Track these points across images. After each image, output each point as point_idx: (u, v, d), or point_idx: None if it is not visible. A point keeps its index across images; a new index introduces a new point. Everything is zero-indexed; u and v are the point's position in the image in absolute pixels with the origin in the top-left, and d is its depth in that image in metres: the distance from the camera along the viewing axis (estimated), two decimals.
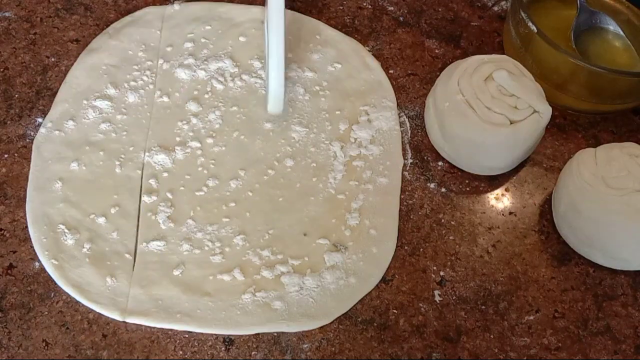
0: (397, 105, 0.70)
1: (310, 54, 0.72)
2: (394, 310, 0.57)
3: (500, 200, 0.65)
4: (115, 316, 0.55)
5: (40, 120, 0.64)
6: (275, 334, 0.55)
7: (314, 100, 0.68)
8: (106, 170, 0.62)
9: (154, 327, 0.55)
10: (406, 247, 0.61)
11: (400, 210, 0.63)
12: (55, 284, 0.56)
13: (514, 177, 0.66)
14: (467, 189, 0.65)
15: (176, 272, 0.57)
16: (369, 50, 0.74)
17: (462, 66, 0.65)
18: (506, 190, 0.66)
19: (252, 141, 0.65)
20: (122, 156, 0.63)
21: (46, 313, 0.55)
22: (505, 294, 0.59)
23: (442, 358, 0.56)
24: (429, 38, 0.76)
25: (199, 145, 0.64)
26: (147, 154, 0.63)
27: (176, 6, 0.74)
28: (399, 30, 0.76)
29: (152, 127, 0.65)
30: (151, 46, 0.70)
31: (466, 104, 0.62)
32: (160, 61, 0.69)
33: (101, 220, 0.59)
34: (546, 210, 0.64)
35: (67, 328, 0.54)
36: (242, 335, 0.55)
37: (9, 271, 0.56)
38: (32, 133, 0.64)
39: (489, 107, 0.62)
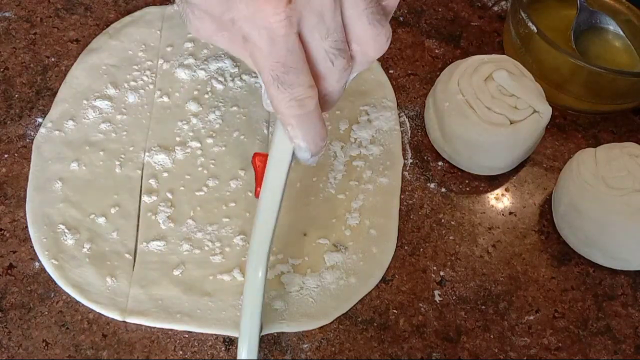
0: (397, 105, 0.70)
1: None
2: (394, 310, 0.57)
3: (500, 200, 0.65)
4: (115, 316, 0.55)
5: (40, 120, 0.64)
6: (275, 334, 0.55)
7: None
8: (106, 170, 0.62)
9: (154, 327, 0.55)
10: (406, 247, 0.61)
11: (400, 210, 0.63)
12: (55, 284, 0.56)
13: (514, 177, 0.66)
14: (467, 189, 0.65)
15: (176, 272, 0.57)
16: None
17: (462, 66, 0.65)
18: (506, 190, 0.66)
19: (252, 141, 0.65)
20: (122, 156, 0.63)
21: (46, 313, 0.55)
22: (505, 294, 0.59)
23: (442, 358, 0.56)
24: (429, 38, 0.76)
25: (199, 145, 0.64)
26: (147, 154, 0.63)
27: (176, 6, 0.74)
28: (399, 30, 0.76)
29: (152, 127, 0.65)
30: (151, 46, 0.70)
31: (466, 104, 0.62)
32: (160, 61, 0.69)
33: (101, 220, 0.59)
34: (546, 210, 0.64)
35: (67, 328, 0.54)
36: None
37: (9, 271, 0.56)
38: (32, 133, 0.64)
39: (489, 107, 0.62)
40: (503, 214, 0.64)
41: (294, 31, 0.38)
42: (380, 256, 0.60)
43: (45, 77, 0.68)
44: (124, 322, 0.55)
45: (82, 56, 0.69)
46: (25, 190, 0.60)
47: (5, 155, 0.62)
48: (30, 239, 0.58)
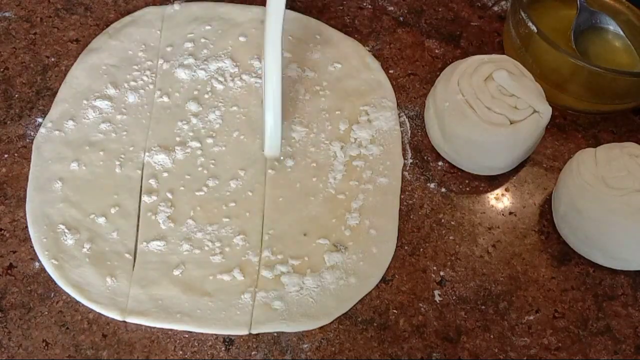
0: (397, 105, 0.70)
1: (310, 54, 0.72)
2: (394, 310, 0.57)
3: (500, 200, 0.65)
4: (115, 316, 0.55)
5: (40, 120, 0.64)
6: (275, 334, 0.55)
7: (314, 100, 0.68)
8: (106, 170, 0.62)
9: (154, 327, 0.55)
10: (406, 247, 0.61)
11: (400, 210, 0.63)
12: (55, 284, 0.56)
13: (514, 177, 0.66)
14: (467, 189, 0.65)
15: (176, 272, 0.57)
16: (369, 50, 0.74)
17: (462, 66, 0.65)
18: (506, 190, 0.66)
19: (252, 141, 0.65)
20: (122, 156, 0.63)
21: (46, 313, 0.55)
22: (505, 294, 0.59)
23: (442, 358, 0.56)
24: (429, 38, 0.76)
25: (199, 145, 0.64)
26: (147, 154, 0.63)
27: (176, 6, 0.74)
28: (399, 30, 0.76)
29: (152, 127, 0.65)
30: (151, 46, 0.70)
31: (466, 104, 0.62)
32: (161, 61, 0.69)
33: (101, 220, 0.59)
34: (546, 210, 0.64)
35: (67, 328, 0.54)
36: (242, 335, 0.55)
37: (9, 271, 0.56)
38: (32, 133, 0.64)
39: (489, 107, 0.62)
40: (503, 214, 0.64)
41: None
42: (380, 256, 0.60)
43: (45, 77, 0.68)
44: (124, 322, 0.55)
45: (82, 56, 0.69)
46: (25, 190, 0.60)
47: (5, 155, 0.62)
48: (30, 239, 0.58)
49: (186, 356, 0.54)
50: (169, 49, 0.70)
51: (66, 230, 0.58)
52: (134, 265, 0.57)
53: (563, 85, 0.68)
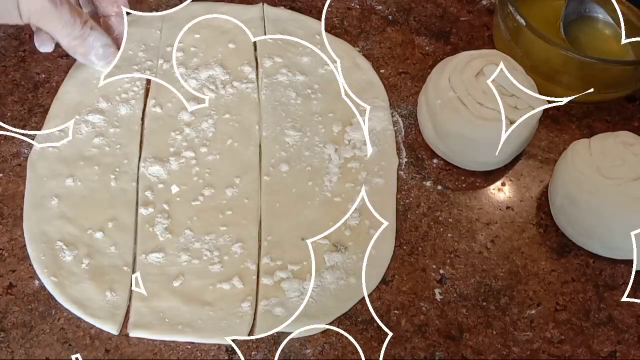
0: (390, 104, 0.70)
1: (300, 57, 0.72)
2: (395, 311, 0.57)
3: (497, 195, 0.65)
4: (117, 330, 0.55)
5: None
6: (276, 335, 0.55)
7: (306, 104, 0.68)
8: (101, 185, 0.62)
9: (156, 340, 0.55)
10: (405, 247, 0.61)
11: (397, 210, 0.63)
12: (56, 301, 0.56)
13: (510, 171, 0.66)
14: (463, 185, 0.65)
15: (176, 284, 0.57)
16: (359, 51, 0.73)
17: (452, 63, 0.65)
18: (502, 184, 0.66)
19: (245, 148, 0.65)
20: (117, 169, 0.63)
21: (48, 331, 0.55)
22: (506, 289, 0.59)
23: (445, 357, 0.56)
24: (419, 35, 0.75)
25: (193, 154, 0.64)
26: (142, 164, 0.63)
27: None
28: (388, 29, 0.76)
29: (146, 138, 0.65)
30: (151, 46, 0.70)
31: (458, 101, 0.62)
32: (161, 61, 0.69)
33: (99, 234, 0.59)
34: (543, 202, 0.64)
35: (70, 345, 0.54)
36: (244, 343, 0.55)
37: (9, 290, 0.56)
38: (26, 151, 0.64)
39: (481, 102, 0.62)
40: (500, 209, 0.64)
41: None
42: (379, 257, 0.60)
43: (36, 94, 0.68)
44: (126, 336, 0.55)
45: (72, 71, 0.69)
46: (22, 209, 0.60)
47: (0, 175, 0.62)
48: (28, 257, 0.58)
49: None
50: (168, 48, 0.71)
51: (64, 247, 0.58)
52: (132, 278, 0.57)
53: (554, 76, 0.68)
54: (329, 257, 0.59)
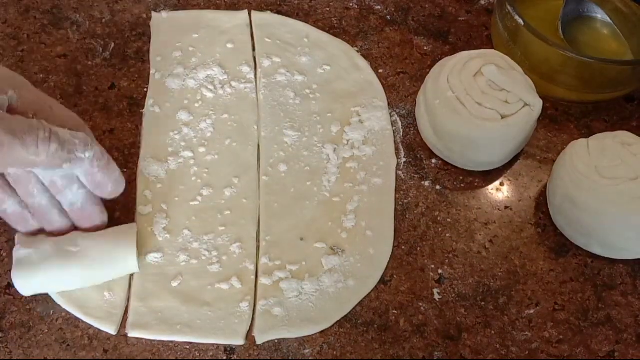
0: (388, 104, 0.70)
1: (299, 57, 0.72)
2: (394, 311, 0.57)
3: (495, 195, 0.65)
4: (115, 331, 0.55)
5: None
6: (276, 341, 0.55)
7: (304, 104, 0.68)
8: None
9: (154, 340, 0.55)
10: (403, 247, 0.61)
11: (395, 209, 0.63)
12: (54, 301, 0.56)
13: (509, 171, 0.66)
14: (462, 185, 0.65)
15: (175, 284, 0.57)
16: (357, 51, 0.73)
17: (451, 63, 0.65)
18: (501, 184, 0.66)
19: (244, 148, 0.65)
20: None
21: (46, 331, 0.55)
22: (505, 289, 0.59)
23: (444, 357, 0.56)
24: (417, 35, 0.75)
25: (191, 154, 0.64)
26: (140, 164, 0.63)
27: (164, 14, 0.73)
28: (386, 29, 0.76)
29: (144, 138, 0.65)
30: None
31: (457, 101, 0.62)
32: (152, 70, 0.69)
33: None
34: (542, 202, 0.64)
35: (68, 345, 0.54)
36: (243, 344, 0.55)
37: (7, 291, 0.56)
38: None
39: (480, 102, 0.62)
40: (499, 209, 0.64)
41: None
42: (377, 257, 0.60)
43: None
44: (125, 336, 0.55)
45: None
46: None
47: None
48: None
49: None
50: (158, 58, 0.70)
51: None
52: (130, 278, 0.57)
53: (553, 76, 0.68)
54: (327, 261, 0.59)
